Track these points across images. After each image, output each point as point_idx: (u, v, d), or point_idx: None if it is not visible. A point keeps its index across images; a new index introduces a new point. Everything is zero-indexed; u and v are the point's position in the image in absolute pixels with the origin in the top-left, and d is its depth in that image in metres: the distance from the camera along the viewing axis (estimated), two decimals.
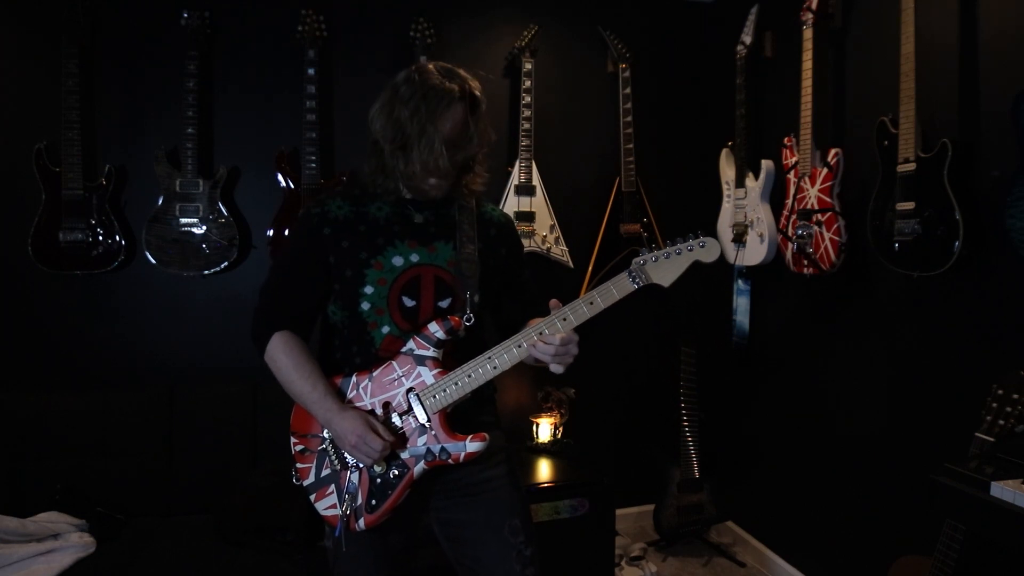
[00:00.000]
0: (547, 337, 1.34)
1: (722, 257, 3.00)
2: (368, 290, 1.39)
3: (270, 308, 1.46)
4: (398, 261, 1.41)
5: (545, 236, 2.91)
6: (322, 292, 1.45)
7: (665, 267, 1.37)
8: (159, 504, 2.44)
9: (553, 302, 1.38)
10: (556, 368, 1.37)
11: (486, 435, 1.38)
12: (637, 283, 1.37)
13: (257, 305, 1.48)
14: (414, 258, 1.42)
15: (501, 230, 1.54)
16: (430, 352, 1.38)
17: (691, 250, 1.37)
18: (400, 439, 1.39)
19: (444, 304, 1.42)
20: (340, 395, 1.41)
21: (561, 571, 1.73)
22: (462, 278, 1.42)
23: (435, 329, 1.38)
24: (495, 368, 1.37)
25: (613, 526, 2.57)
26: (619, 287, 1.36)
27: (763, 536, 3.00)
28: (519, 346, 1.36)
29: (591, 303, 1.35)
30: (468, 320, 1.41)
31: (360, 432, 1.33)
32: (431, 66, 1.37)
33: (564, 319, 1.35)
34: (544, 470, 2.67)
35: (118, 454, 2.44)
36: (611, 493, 2.55)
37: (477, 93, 1.36)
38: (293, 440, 1.49)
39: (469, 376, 1.37)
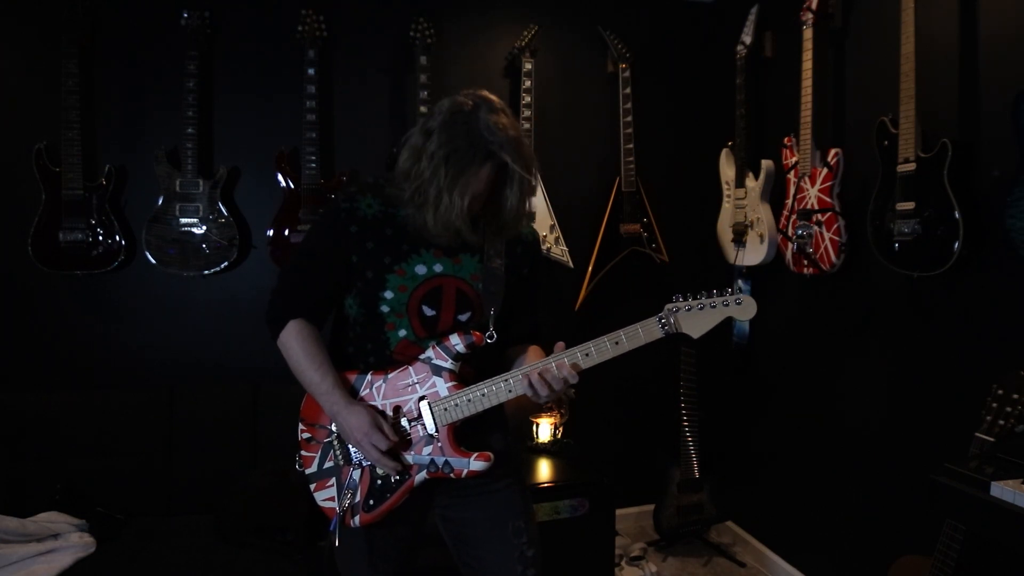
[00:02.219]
0: (565, 370, 1.32)
1: (722, 257, 3.02)
2: (388, 295, 1.39)
3: (288, 294, 1.46)
4: (421, 270, 1.39)
5: (545, 236, 2.91)
6: (341, 287, 1.44)
7: (697, 318, 1.34)
8: (159, 504, 2.44)
9: (558, 344, 1.36)
10: (538, 397, 1.35)
11: (491, 455, 1.37)
12: (666, 330, 1.34)
13: (275, 287, 1.47)
14: (437, 268, 1.40)
15: (527, 248, 1.52)
16: (447, 364, 1.37)
17: (727, 305, 1.34)
18: (406, 444, 1.39)
19: (464, 318, 1.42)
20: (351, 391, 1.41)
21: (561, 571, 1.73)
22: (486, 293, 1.41)
23: (456, 342, 1.36)
24: (510, 392, 1.35)
25: (613, 526, 2.57)
26: (646, 331, 1.34)
27: (763, 536, 3.00)
28: (540, 382, 1.33)
29: (616, 342, 1.33)
30: (490, 337, 1.39)
31: (366, 429, 1.33)
32: (468, 105, 1.28)
33: (587, 354, 1.33)
34: (544, 470, 2.66)
35: (118, 454, 2.44)
36: (611, 493, 2.54)
37: (508, 158, 1.28)
38: (301, 427, 1.49)
39: (483, 395, 1.36)
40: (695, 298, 1.35)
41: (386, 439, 1.34)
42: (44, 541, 2.11)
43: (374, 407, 1.39)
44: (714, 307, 1.34)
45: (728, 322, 1.38)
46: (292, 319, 1.43)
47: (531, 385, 1.32)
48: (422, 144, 1.29)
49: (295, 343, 1.41)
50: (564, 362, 1.33)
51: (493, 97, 1.33)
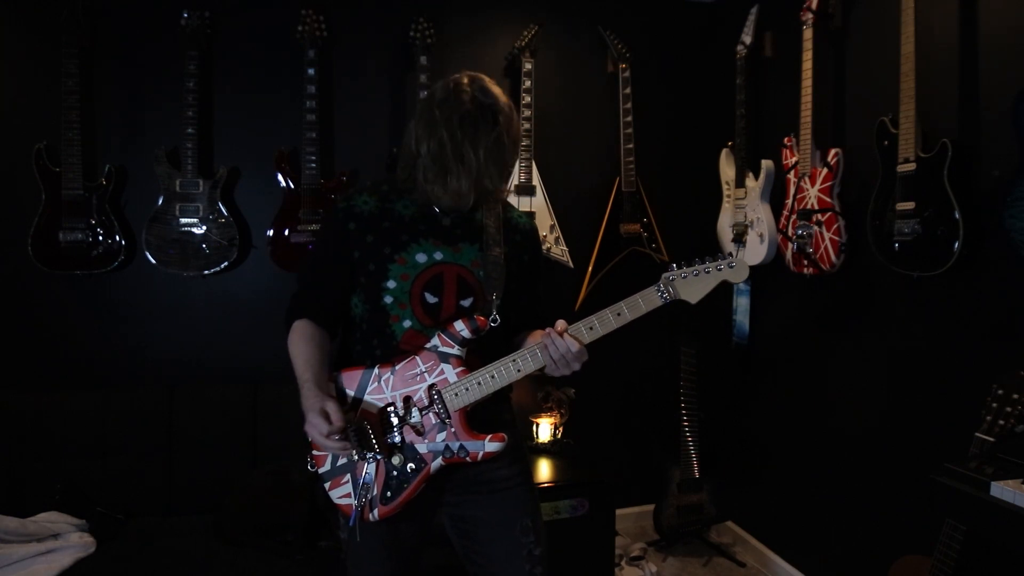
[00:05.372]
0: (570, 341, 1.34)
1: None
2: (391, 284, 1.41)
3: (298, 297, 1.50)
4: (421, 258, 1.42)
5: (545, 236, 2.91)
6: (347, 284, 1.47)
7: (693, 284, 1.39)
8: (159, 504, 2.44)
9: (560, 323, 1.38)
10: (553, 366, 1.38)
11: (505, 436, 1.39)
12: (664, 298, 1.39)
13: (292, 292, 1.52)
14: (438, 256, 1.43)
15: (526, 237, 1.56)
16: (454, 350, 1.39)
17: (720, 269, 1.38)
18: (417, 433, 1.40)
19: (466, 303, 1.44)
20: (360, 386, 1.42)
21: (561, 571, 1.73)
22: (487, 279, 1.44)
23: (461, 328, 1.38)
24: (519, 371, 1.38)
25: (613, 526, 2.57)
26: (646, 300, 1.38)
27: (763, 536, 3.00)
28: (544, 348, 1.36)
29: (618, 314, 1.37)
30: (494, 321, 1.42)
31: (308, 416, 1.31)
32: (465, 81, 1.39)
33: (591, 327, 1.37)
34: (544, 470, 2.66)
35: (118, 454, 2.44)
36: (611, 493, 2.54)
37: (505, 111, 1.38)
38: None
39: (492, 377, 1.38)
40: (689, 265, 1.40)
41: (326, 423, 1.30)
42: (44, 541, 2.11)
43: (380, 400, 1.40)
44: (708, 272, 1.38)
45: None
46: (298, 319, 1.47)
47: (545, 348, 1.35)
48: (430, 119, 1.35)
49: (294, 340, 1.45)
50: (569, 335, 1.36)
51: (483, 75, 1.43)
